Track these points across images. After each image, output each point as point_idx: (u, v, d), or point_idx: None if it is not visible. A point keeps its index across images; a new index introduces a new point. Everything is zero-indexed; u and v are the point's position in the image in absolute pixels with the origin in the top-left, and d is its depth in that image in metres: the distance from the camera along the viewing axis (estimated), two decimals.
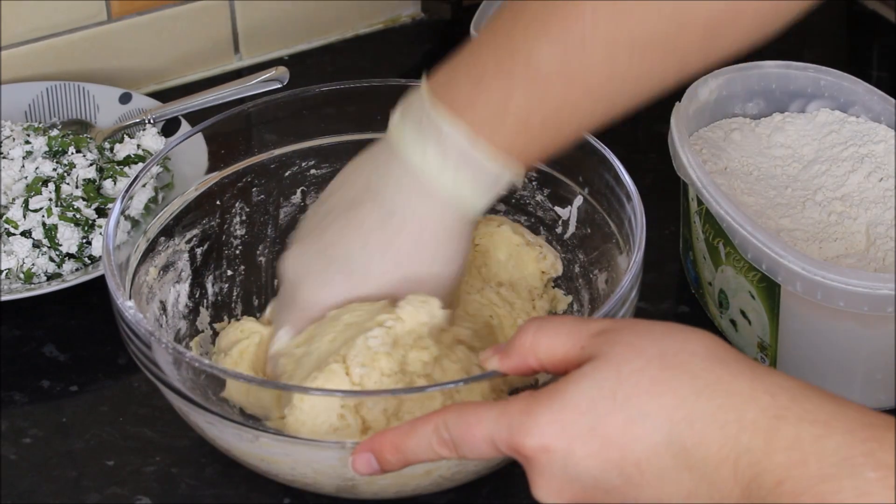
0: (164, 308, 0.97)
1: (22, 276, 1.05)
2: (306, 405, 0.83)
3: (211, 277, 1.01)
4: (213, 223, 1.01)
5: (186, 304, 0.99)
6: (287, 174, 1.03)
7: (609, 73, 0.81)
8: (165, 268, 0.97)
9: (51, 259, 1.06)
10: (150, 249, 0.96)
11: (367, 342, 0.85)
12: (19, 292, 1.02)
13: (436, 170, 0.84)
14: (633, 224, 0.92)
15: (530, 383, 0.92)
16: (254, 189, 1.03)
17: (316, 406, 0.83)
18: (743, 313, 0.98)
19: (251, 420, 0.88)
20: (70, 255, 1.06)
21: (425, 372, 0.86)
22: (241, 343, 0.93)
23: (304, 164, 1.03)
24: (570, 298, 0.99)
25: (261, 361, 0.93)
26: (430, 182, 0.85)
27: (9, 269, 1.05)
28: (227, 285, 1.01)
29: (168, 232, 0.98)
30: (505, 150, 0.83)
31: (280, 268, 0.91)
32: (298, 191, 1.04)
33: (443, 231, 0.86)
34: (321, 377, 0.84)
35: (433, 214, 0.85)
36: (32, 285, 1.04)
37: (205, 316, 0.99)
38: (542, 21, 0.81)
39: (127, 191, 0.94)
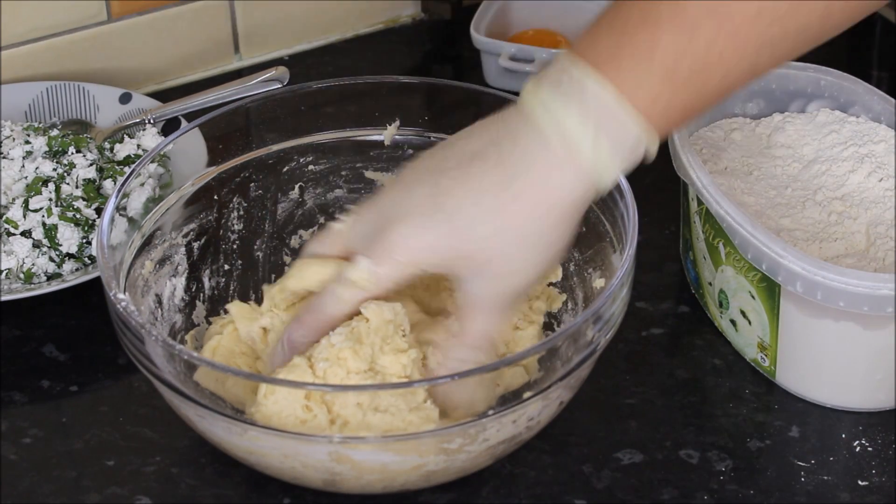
0: (159, 301, 0.97)
1: (22, 276, 1.05)
2: (270, 399, 0.84)
3: (208, 272, 1.01)
4: (210, 218, 1.01)
5: (182, 298, 0.99)
6: (285, 170, 1.03)
7: (756, 10, 0.79)
8: (161, 261, 0.98)
9: (51, 259, 1.06)
10: (147, 243, 0.97)
11: (330, 339, 0.87)
12: (19, 292, 1.02)
13: (575, 131, 0.81)
14: (625, 221, 0.92)
15: (524, 382, 0.92)
16: (252, 184, 1.03)
17: (280, 400, 0.84)
18: (743, 313, 0.98)
19: (241, 413, 0.88)
20: (70, 255, 1.06)
21: (405, 373, 0.87)
22: (214, 338, 0.94)
23: (302, 160, 1.03)
24: (564, 297, 0.99)
25: (233, 354, 0.93)
26: (565, 144, 0.82)
27: (9, 269, 1.05)
28: (223, 279, 1.01)
29: (164, 226, 0.98)
30: (649, 107, 0.81)
31: (383, 192, 0.87)
32: (296, 186, 1.04)
33: (558, 209, 0.83)
34: (283, 371, 0.86)
35: (558, 184, 0.82)
36: (32, 285, 1.04)
37: (201, 310, 1.00)
38: None
39: (123, 184, 0.94)
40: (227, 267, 1.02)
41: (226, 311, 0.98)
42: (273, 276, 1.03)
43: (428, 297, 0.96)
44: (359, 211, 0.89)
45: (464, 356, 0.87)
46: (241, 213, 1.03)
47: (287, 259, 1.04)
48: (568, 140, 0.82)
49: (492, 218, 0.83)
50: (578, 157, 0.82)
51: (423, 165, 0.87)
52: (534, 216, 0.83)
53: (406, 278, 0.86)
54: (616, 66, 0.81)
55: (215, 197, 1.01)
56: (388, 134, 1.02)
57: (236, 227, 1.03)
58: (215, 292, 1.01)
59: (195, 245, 1.00)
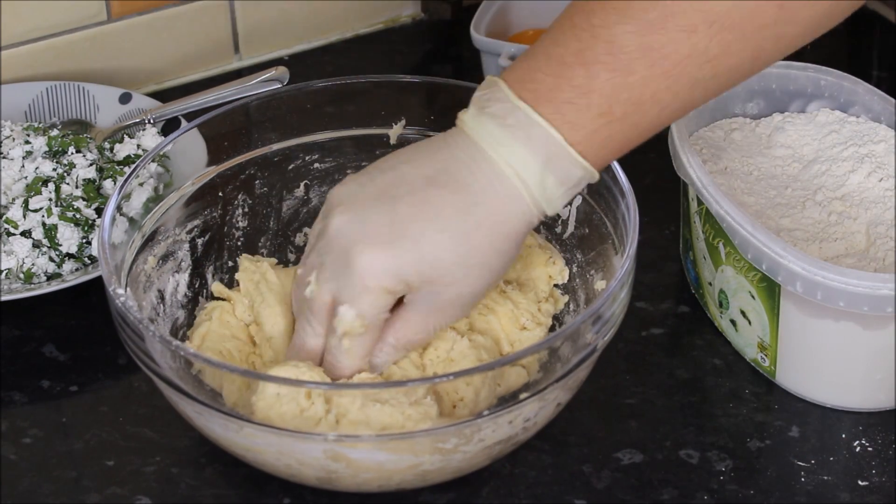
0: (161, 297, 0.97)
1: (22, 276, 1.05)
2: (270, 389, 0.85)
3: (211, 268, 1.01)
4: (214, 214, 1.01)
5: (185, 294, 0.99)
6: (290, 168, 1.03)
7: (688, 52, 0.82)
8: (164, 257, 0.98)
9: (51, 259, 1.06)
10: (150, 239, 0.97)
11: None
12: (19, 292, 1.02)
13: (525, 167, 0.84)
14: (626, 221, 0.92)
15: (524, 382, 0.92)
16: (256, 182, 1.03)
17: (280, 389, 0.85)
18: (743, 313, 0.98)
19: (237, 410, 0.89)
20: (70, 255, 1.06)
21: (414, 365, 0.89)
22: (203, 325, 0.95)
23: (307, 158, 1.04)
24: (566, 298, 0.99)
25: (223, 338, 0.94)
26: (519, 181, 0.84)
27: (9, 269, 1.05)
28: (227, 276, 1.01)
29: (166, 224, 0.98)
30: (587, 142, 0.84)
31: (329, 223, 0.87)
32: (302, 184, 1.04)
33: (513, 236, 0.86)
34: (283, 368, 0.87)
35: (513, 213, 0.85)
36: (32, 285, 1.04)
37: (204, 306, 1.00)
38: (622, 5, 0.82)
39: (123, 184, 0.94)
40: (230, 264, 1.02)
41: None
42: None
43: None
44: (311, 262, 0.89)
45: (387, 356, 0.89)
46: (246, 210, 1.03)
47: (291, 256, 1.04)
48: (520, 175, 0.84)
49: (456, 245, 0.85)
50: (531, 190, 0.84)
51: (366, 191, 0.87)
52: (493, 243, 0.86)
53: (389, 307, 0.87)
54: (555, 106, 0.83)
55: (220, 194, 1.01)
56: (394, 132, 1.02)
57: (241, 224, 1.03)
58: None
59: (199, 242, 1.00)
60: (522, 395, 0.85)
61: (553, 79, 0.83)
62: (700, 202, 0.99)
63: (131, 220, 0.96)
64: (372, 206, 0.86)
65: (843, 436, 0.95)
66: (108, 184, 1.10)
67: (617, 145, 0.85)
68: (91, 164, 1.10)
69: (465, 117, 0.86)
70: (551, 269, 0.98)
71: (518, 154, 0.84)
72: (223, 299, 0.97)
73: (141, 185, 0.98)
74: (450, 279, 0.86)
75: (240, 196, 1.03)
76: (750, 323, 0.98)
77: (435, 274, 0.85)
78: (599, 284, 0.97)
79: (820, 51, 1.18)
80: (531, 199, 0.85)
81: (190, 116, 1.16)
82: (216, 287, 0.98)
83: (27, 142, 1.11)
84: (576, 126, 0.83)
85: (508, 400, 0.88)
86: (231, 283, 1.01)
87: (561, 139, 0.83)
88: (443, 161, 0.86)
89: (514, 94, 0.84)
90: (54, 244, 1.06)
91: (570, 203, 0.99)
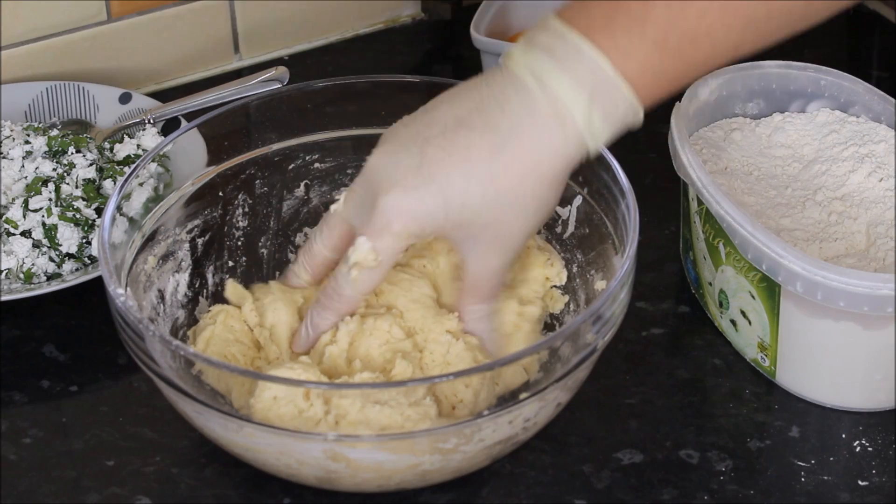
0: (162, 297, 0.97)
1: (22, 276, 1.05)
2: (269, 390, 0.85)
3: (212, 268, 1.01)
4: (215, 214, 1.01)
5: (185, 294, 0.99)
6: (291, 167, 1.03)
7: None
8: (165, 257, 0.98)
9: (51, 259, 1.06)
10: (150, 239, 0.97)
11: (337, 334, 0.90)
12: (19, 292, 1.02)
13: (568, 98, 0.83)
14: (626, 221, 0.92)
15: (524, 382, 0.92)
16: (257, 181, 1.03)
17: (279, 390, 0.85)
18: (743, 313, 0.98)
19: (237, 410, 0.89)
20: (70, 255, 1.06)
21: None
22: (207, 329, 0.95)
23: (308, 158, 1.04)
24: (566, 298, 0.99)
25: (227, 342, 0.94)
26: (556, 110, 0.83)
27: (9, 269, 1.05)
28: (227, 276, 1.02)
29: (166, 224, 0.98)
30: (639, 75, 0.82)
31: (369, 159, 0.88)
32: (302, 184, 1.04)
33: (549, 173, 0.84)
34: (284, 368, 0.87)
35: (551, 147, 0.84)
36: (32, 285, 1.04)
37: (204, 306, 1.00)
38: None
39: (123, 184, 0.94)
40: (231, 263, 1.02)
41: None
42: (277, 272, 1.03)
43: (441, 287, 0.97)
44: (352, 186, 0.90)
45: (479, 310, 0.90)
46: (246, 210, 1.03)
47: (291, 256, 1.04)
48: (559, 106, 0.83)
49: (484, 188, 0.84)
50: (570, 123, 0.83)
51: (406, 131, 0.87)
52: (525, 182, 0.84)
53: (406, 247, 0.87)
54: (609, 34, 0.82)
55: (220, 194, 1.01)
56: None
57: (241, 223, 1.03)
58: (219, 288, 1.01)
59: (199, 241, 1.00)
60: (522, 395, 0.85)
61: (609, 9, 0.82)
62: (700, 202, 0.99)
63: (131, 220, 0.96)
64: (405, 147, 0.86)
65: (843, 436, 0.95)
66: (108, 184, 1.10)
67: (667, 80, 0.84)
68: (91, 164, 1.10)
69: (514, 51, 0.85)
70: (548, 271, 0.98)
71: (565, 85, 0.82)
72: (227, 302, 0.97)
73: (141, 185, 0.98)
74: (482, 222, 0.85)
75: (240, 196, 1.03)
76: (750, 323, 0.98)
77: (465, 218, 0.85)
78: (599, 284, 0.97)
79: (820, 51, 1.18)
80: (574, 134, 0.83)
81: (190, 116, 1.16)
82: (230, 286, 0.97)
83: (27, 142, 1.11)
84: (629, 55, 0.82)
85: (508, 400, 0.88)
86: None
87: (610, 69, 0.82)
88: (478, 100, 0.85)
89: (566, 26, 0.83)
90: (54, 244, 1.06)
91: (570, 203, 0.99)
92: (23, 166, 1.09)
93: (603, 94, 0.83)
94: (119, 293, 0.88)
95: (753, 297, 0.96)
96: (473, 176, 0.84)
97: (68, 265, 1.06)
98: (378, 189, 0.86)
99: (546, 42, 0.83)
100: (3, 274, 1.05)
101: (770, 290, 0.94)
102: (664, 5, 0.81)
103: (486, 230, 0.86)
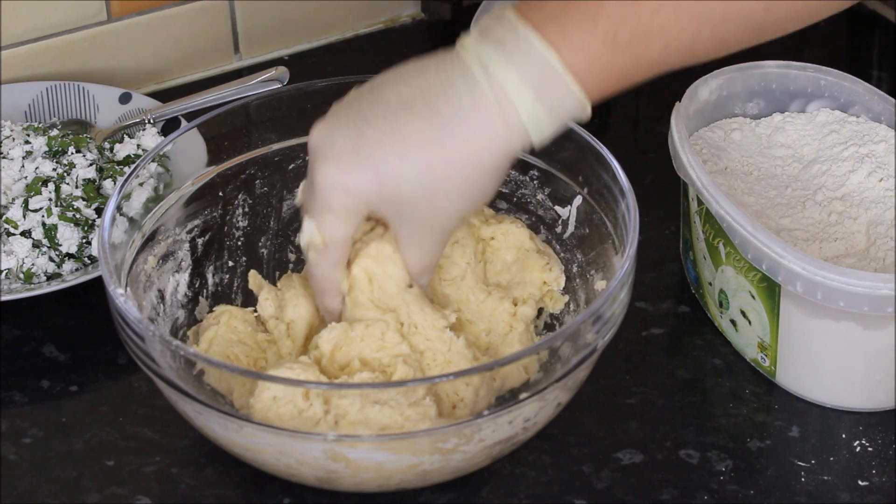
0: (162, 297, 0.97)
1: (22, 276, 1.05)
2: (269, 389, 0.85)
3: (212, 268, 1.01)
4: (214, 214, 1.01)
5: (185, 294, 0.99)
6: (291, 167, 1.03)
7: None
8: (165, 257, 0.98)
9: (51, 259, 1.06)
10: (150, 239, 0.97)
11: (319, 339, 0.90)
12: (19, 292, 1.02)
13: (514, 91, 0.82)
14: (626, 221, 0.92)
15: (523, 381, 0.92)
16: (257, 181, 1.03)
17: (278, 390, 0.85)
18: (743, 313, 0.98)
19: (237, 410, 0.89)
20: (70, 255, 1.06)
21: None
22: (210, 329, 0.95)
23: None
24: (566, 298, 0.99)
25: (231, 343, 0.94)
26: (501, 103, 0.83)
27: (9, 269, 1.05)
28: (227, 276, 1.02)
29: (166, 224, 0.98)
30: (587, 69, 0.82)
31: (310, 134, 0.88)
32: (302, 184, 1.04)
33: (488, 163, 0.84)
34: (284, 368, 0.87)
35: (492, 139, 0.83)
36: (32, 285, 1.04)
37: (204, 306, 1.00)
38: None
39: (123, 184, 0.94)
40: (231, 263, 1.02)
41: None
42: (277, 272, 1.03)
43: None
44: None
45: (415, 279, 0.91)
46: (246, 210, 1.03)
47: (292, 256, 1.04)
48: (504, 100, 0.83)
49: (419, 173, 0.84)
50: (513, 116, 0.83)
51: (349, 110, 0.87)
52: (462, 171, 0.84)
53: (354, 225, 0.87)
54: (560, 28, 0.82)
55: (220, 194, 1.01)
56: None
57: (241, 223, 1.03)
58: (219, 288, 1.01)
59: (199, 241, 1.00)
60: (522, 395, 0.85)
61: (562, 4, 0.82)
62: (700, 202, 0.99)
63: (131, 220, 0.96)
64: (344, 125, 0.86)
65: (843, 436, 0.95)
66: (108, 184, 1.10)
67: (616, 75, 0.83)
68: (91, 164, 1.10)
69: (466, 41, 0.85)
70: (546, 275, 0.98)
71: (512, 80, 0.82)
72: (228, 302, 0.97)
73: (141, 185, 0.98)
74: (416, 204, 0.85)
75: (240, 196, 1.03)
76: (750, 323, 0.98)
77: (398, 198, 0.85)
78: (599, 284, 0.97)
79: (820, 51, 1.19)
80: (517, 127, 0.83)
81: (190, 116, 1.16)
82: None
83: (27, 142, 1.11)
84: (579, 49, 0.82)
85: (508, 400, 0.88)
86: (231, 284, 1.02)
87: (559, 64, 0.82)
88: (424, 84, 0.85)
89: (519, 18, 0.83)
90: (54, 244, 1.06)
91: (570, 203, 0.99)
92: (23, 166, 1.09)
93: (550, 88, 0.82)
94: (119, 293, 0.88)
95: (753, 297, 0.96)
96: (409, 160, 0.84)
97: (68, 265, 1.06)
98: (314, 166, 0.86)
99: (499, 34, 0.83)
100: (3, 274, 1.05)
101: (770, 290, 0.94)
102: (617, 3, 0.81)
103: (420, 212, 0.86)
